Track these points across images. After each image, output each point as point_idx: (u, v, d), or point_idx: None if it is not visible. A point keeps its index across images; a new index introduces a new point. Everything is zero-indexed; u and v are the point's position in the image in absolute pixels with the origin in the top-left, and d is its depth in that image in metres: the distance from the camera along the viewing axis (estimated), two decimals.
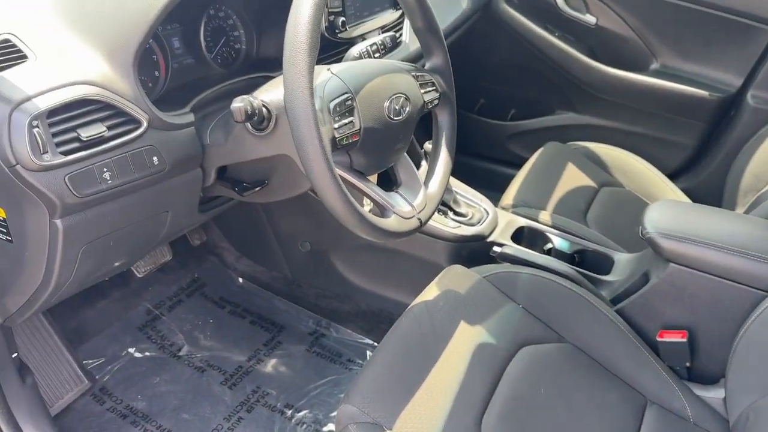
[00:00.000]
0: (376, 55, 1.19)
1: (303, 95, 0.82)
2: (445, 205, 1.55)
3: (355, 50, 1.17)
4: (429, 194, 1.10)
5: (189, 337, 1.68)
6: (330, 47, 1.35)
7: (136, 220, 1.02)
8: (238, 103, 0.88)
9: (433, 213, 1.10)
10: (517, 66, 2.25)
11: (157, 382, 1.54)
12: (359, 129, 0.93)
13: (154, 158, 0.96)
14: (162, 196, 1.03)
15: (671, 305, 1.21)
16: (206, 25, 1.21)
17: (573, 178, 1.78)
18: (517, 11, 2.13)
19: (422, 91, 1.07)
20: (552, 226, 1.57)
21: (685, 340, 1.19)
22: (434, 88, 1.10)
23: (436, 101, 1.11)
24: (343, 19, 1.33)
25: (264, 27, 1.28)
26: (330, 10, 1.31)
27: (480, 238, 1.50)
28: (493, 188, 2.40)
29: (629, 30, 1.97)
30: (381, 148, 1.00)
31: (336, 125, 0.89)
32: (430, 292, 1.25)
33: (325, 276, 1.74)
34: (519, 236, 1.55)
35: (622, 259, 1.47)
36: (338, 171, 0.99)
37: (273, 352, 1.66)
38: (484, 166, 2.47)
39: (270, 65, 1.24)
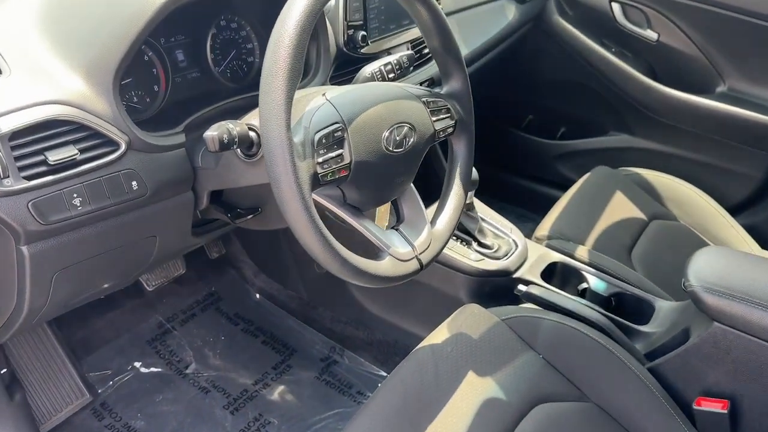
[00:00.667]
0: (391, 75, 1.09)
1: (277, 128, 0.73)
2: (468, 235, 1.44)
3: (367, 70, 1.07)
4: (435, 233, 0.99)
5: (198, 354, 1.63)
6: (349, 63, 1.26)
7: (116, 245, 0.96)
8: (212, 132, 0.80)
9: (438, 254, 0.99)
10: (569, 82, 2.12)
11: (159, 401, 1.50)
12: (349, 163, 0.83)
13: (133, 183, 0.89)
14: (146, 221, 0.97)
15: (713, 369, 1.08)
16: (215, 37, 1.14)
17: (620, 207, 1.64)
18: (571, 24, 2.00)
19: (434, 118, 0.97)
20: (588, 264, 1.43)
21: (725, 411, 1.05)
22: (449, 115, 0.99)
23: (450, 129, 1.00)
24: (363, 33, 1.23)
25: None
26: (349, 23, 1.21)
27: (504, 274, 1.38)
28: (537, 210, 2.28)
29: (694, 48, 1.81)
30: (377, 183, 0.91)
31: (320, 159, 0.80)
32: (440, 333, 1.16)
33: (341, 300, 1.66)
34: (551, 273, 1.43)
35: (664, 307, 1.33)
36: (330, 206, 0.92)
37: (281, 377, 1.58)
38: (528, 186, 2.35)
39: None
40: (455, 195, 1.04)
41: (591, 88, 2.06)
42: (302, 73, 0.76)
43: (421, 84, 1.46)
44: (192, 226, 1.10)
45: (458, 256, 1.38)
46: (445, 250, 1.39)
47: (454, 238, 1.44)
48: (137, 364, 1.58)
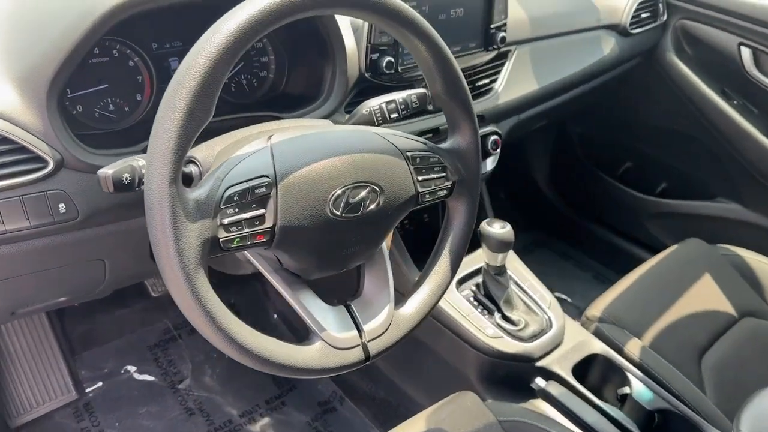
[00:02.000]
0: (394, 115, 0.91)
1: (158, 181, 0.59)
2: (493, 303, 1.22)
3: (366, 106, 0.90)
4: (398, 316, 0.80)
5: (197, 369, 1.54)
6: (375, 90, 1.08)
7: (51, 266, 0.87)
8: (108, 170, 0.67)
9: (395, 345, 0.81)
10: (677, 132, 1.82)
11: (142, 413, 1.42)
12: (271, 227, 0.67)
13: (61, 205, 0.79)
14: (85, 244, 0.86)
15: None
16: None
17: (706, 294, 1.35)
18: (688, 65, 1.70)
19: (420, 178, 0.78)
20: (638, 365, 1.18)
21: None
22: (443, 174, 0.81)
23: (443, 192, 0.81)
24: (390, 59, 1.06)
25: (299, 55, 1.07)
26: (373, 45, 1.05)
27: (525, 360, 1.16)
28: (618, 269, 1.99)
29: None
30: (318, 253, 0.74)
31: (226, 220, 0.64)
32: (416, 424, 0.97)
33: None
34: (588, 366, 1.19)
35: None
36: (261, 268, 0.77)
37: (271, 414, 1.45)
38: (613, 241, 2.07)
39: (290, 104, 1.02)
40: (438, 272, 0.84)
41: (702, 142, 1.76)
42: (210, 116, 0.61)
43: None
44: None
45: (471, 326, 1.18)
46: (458, 318, 1.20)
47: (475, 303, 1.23)
48: (132, 369, 1.52)
